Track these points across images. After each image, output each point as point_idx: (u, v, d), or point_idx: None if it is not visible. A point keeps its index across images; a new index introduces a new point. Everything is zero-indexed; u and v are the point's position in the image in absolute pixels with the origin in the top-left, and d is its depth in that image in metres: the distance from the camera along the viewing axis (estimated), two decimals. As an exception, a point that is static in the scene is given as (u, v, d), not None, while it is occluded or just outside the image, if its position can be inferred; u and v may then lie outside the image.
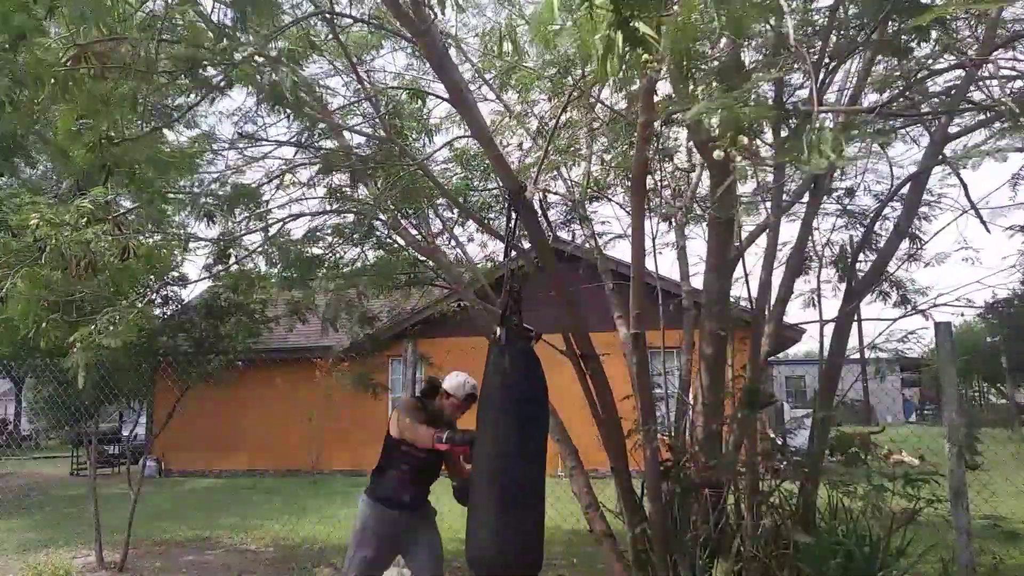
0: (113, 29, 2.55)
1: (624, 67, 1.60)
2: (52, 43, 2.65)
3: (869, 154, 4.28)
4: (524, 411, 2.73)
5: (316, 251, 4.86)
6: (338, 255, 5.12)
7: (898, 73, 3.17)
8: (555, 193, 5.42)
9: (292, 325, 6.91)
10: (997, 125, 3.46)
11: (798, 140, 1.47)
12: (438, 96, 4.40)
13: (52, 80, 2.44)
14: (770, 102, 2.87)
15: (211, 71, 2.79)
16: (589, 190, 5.12)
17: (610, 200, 5.45)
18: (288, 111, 3.34)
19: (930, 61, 3.09)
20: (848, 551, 3.37)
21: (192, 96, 3.14)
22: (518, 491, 2.67)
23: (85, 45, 2.43)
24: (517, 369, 2.74)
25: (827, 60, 2.72)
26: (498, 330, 2.80)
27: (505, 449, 2.67)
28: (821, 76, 2.78)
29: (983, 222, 3.62)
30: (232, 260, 4.97)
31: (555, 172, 5.01)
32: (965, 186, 3.70)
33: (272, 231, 4.49)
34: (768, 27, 2.27)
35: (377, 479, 3.40)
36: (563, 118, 4.51)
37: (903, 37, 2.21)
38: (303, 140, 4.23)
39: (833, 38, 2.74)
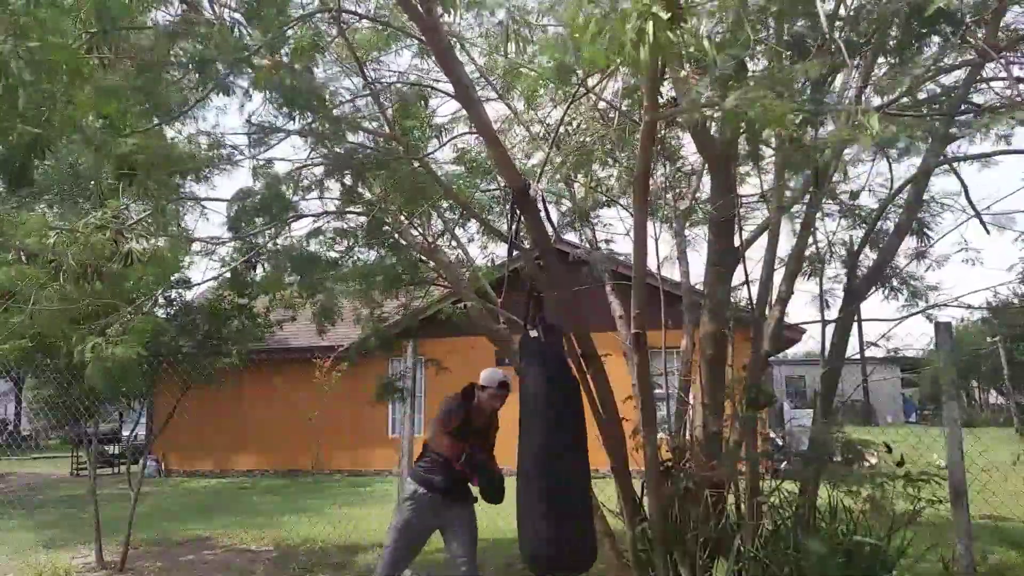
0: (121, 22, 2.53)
1: (656, 52, 1.66)
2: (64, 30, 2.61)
3: (876, 154, 4.26)
4: (568, 404, 3.08)
5: (333, 255, 4.90)
6: (353, 257, 5.15)
7: (906, 71, 3.16)
8: (558, 194, 5.42)
9: (310, 327, 6.89)
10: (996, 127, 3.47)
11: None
12: (444, 93, 4.41)
13: (64, 68, 2.41)
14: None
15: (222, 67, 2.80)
16: (593, 192, 5.12)
17: (615, 202, 5.45)
18: (303, 110, 3.36)
19: (935, 62, 3.09)
20: (848, 551, 3.38)
21: (202, 91, 3.15)
22: (566, 485, 2.98)
23: (95, 34, 2.41)
24: (556, 364, 3.10)
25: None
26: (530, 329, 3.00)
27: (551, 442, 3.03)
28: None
29: (983, 224, 3.62)
30: (260, 269, 5.00)
31: (559, 175, 5.01)
32: (966, 188, 3.70)
33: (283, 234, 4.50)
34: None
35: (418, 463, 3.76)
36: (566, 120, 4.51)
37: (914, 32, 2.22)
38: (313, 139, 4.24)
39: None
